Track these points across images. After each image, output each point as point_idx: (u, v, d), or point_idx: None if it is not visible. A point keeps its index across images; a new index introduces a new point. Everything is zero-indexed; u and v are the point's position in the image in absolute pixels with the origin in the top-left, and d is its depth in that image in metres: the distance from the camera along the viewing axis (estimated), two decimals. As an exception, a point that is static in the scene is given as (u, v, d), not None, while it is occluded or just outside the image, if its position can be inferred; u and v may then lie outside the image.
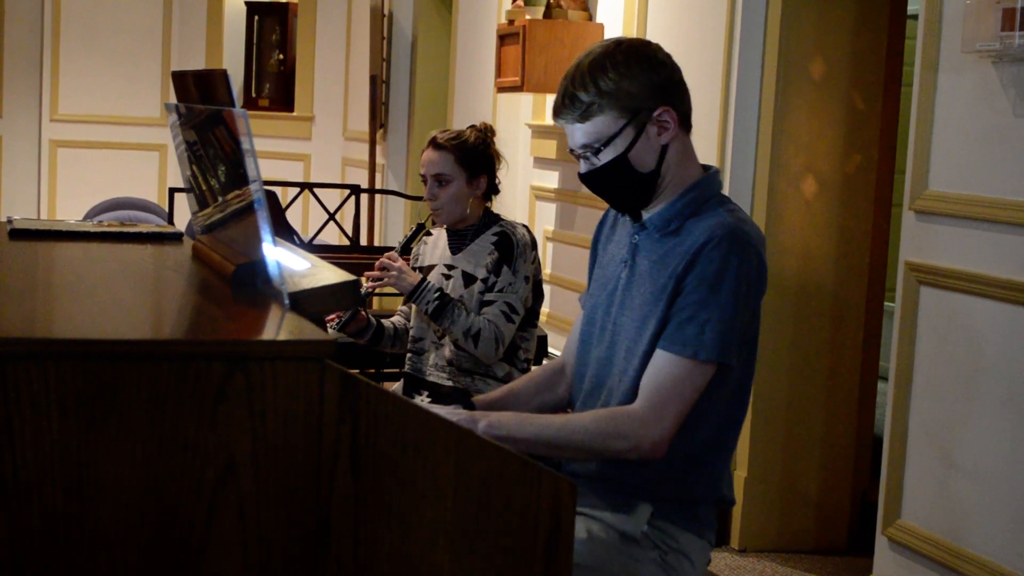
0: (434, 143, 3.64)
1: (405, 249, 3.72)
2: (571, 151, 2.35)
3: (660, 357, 2.24)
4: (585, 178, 2.34)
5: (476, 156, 3.61)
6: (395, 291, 3.69)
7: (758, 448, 4.47)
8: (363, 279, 3.59)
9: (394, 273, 3.54)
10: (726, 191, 4.44)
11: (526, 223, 5.83)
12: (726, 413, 2.33)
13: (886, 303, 4.78)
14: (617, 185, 2.31)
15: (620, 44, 2.30)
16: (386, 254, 3.61)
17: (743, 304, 2.24)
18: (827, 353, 4.51)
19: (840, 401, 4.55)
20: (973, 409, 3.32)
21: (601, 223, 2.54)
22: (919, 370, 3.53)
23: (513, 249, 3.55)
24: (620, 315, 2.35)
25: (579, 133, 2.29)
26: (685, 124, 2.34)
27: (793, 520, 4.54)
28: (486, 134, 3.67)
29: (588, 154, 2.30)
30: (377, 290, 3.71)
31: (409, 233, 3.75)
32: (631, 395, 2.28)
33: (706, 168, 2.39)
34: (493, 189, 3.68)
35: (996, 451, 3.23)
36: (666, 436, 2.22)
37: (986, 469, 3.27)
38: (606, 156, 2.28)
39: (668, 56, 2.33)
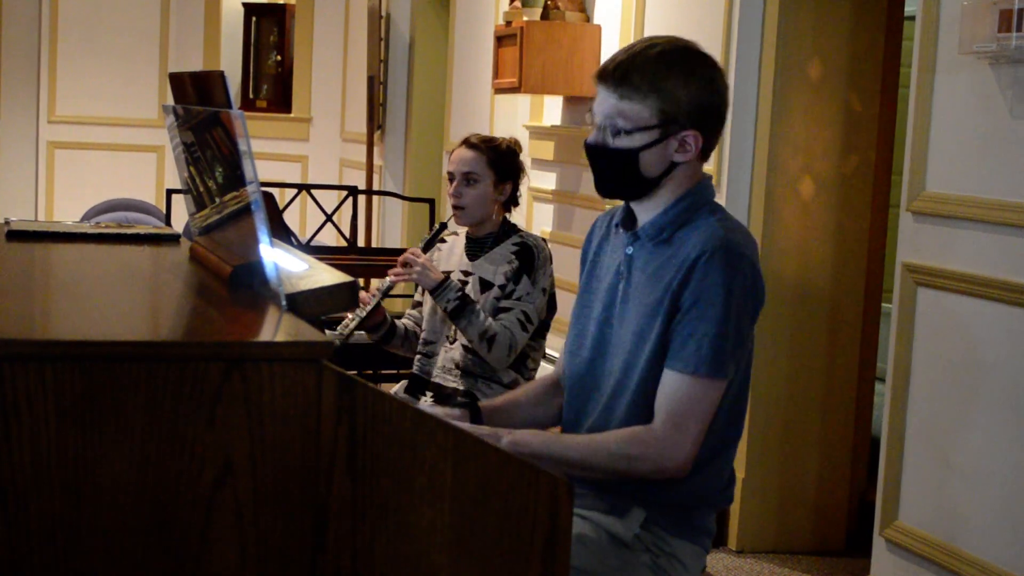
0: (467, 143, 3.71)
1: (428, 246, 3.74)
2: (591, 112, 2.34)
3: (668, 377, 2.25)
4: (590, 149, 2.33)
5: (506, 162, 3.69)
6: (401, 292, 3.72)
7: (756, 449, 4.47)
8: (388, 274, 3.64)
9: (418, 268, 3.57)
10: (723, 192, 4.46)
11: (524, 224, 5.84)
12: (726, 422, 2.34)
13: (883, 304, 4.78)
14: (615, 172, 2.31)
15: (699, 53, 2.31)
16: (410, 250, 3.65)
17: (739, 317, 2.24)
18: (824, 354, 4.52)
19: (837, 402, 4.55)
20: (970, 410, 3.32)
21: (592, 232, 2.53)
22: (916, 371, 3.53)
23: (534, 260, 3.59)
24: (619, 327, 2.35)
25: (609, 106, 2.28)
26: (704, 154, 2.35)
27: (791, 521, 4.54)
28: (516, 146, 3.77)
29: (607, 127, 2.29)
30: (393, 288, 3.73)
31: (432, 232, 3.77)
32: (633, 410, 2.29)
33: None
34: (514, 200, 3.72)
35: (993, 452, 3.24)
36: (689, 457, 2.23)
37: (983, 470, 3.27)
38: (621, 142, 2.28)
39: (727, 87, 2.35)
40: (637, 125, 2.26)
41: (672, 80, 2.25)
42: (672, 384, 2.24)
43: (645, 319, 2.29)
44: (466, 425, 2.31)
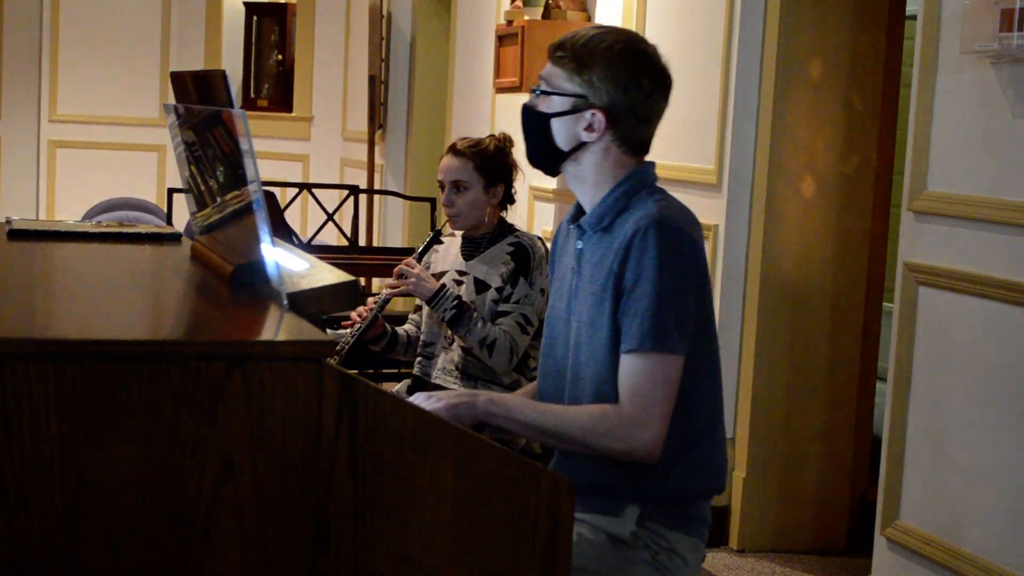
0: (453, 150, 3.70)
1: (422, 257, 3.74)
2: None
3: (623, 360, 2.27)
4: (523, 108, 2.44)
5: (494, 164, 3.66)
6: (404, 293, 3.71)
7: (757, 448, 4.47)
8: (384, 288, 3.64)
9: (412, 279, 3.56)
10: (724, 191, 4.46)
11: (525, 224, 5.84)
12: (702, 409, 2.34)
13: (884, 304, 4.78)
14: (532, 136, 2.42)
15: (642, 53, 2.37)
16: (404, 261, 3.64)
17: (678, 289, 2.25)
18: (825, 353, 4.51)
19: (838, 401, 4.55)
20: (971, 410, 3.32)
21: (556, 237, 2.58)
22: (917, 371, 3.53)
23: (530, 261, 3.59)
24: (575, 322, 2.39)
25: (546, 68, 2.44)
26: (630, 146, 2.38)
27: (792, 520, 4.54)
28: (505, 144, 3.73)
29: (537, 89, 2.42)
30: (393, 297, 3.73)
31: (427, 240, 3.76)
32: (604, 398, 2.30)
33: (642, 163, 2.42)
34: (509, 199, 3.72)
35: (994, 451, 3.24)
36: (657, 438, 2.23)
37: (984, 469, 3.27)
38: (540, 105, 2.40)
39: (660, 94, 2.38)
40: (556, 90, 2.38)
41: (598, 62, 2.34)
42: (626, 366, 2.25)
43: (594, 307, 2.32)
44: (447, 392, 2.33)
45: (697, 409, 2.33)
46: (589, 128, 2.35)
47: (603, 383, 2.30)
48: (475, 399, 2.26)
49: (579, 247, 2.40)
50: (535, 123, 2.40)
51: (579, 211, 2.45)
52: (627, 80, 2.34)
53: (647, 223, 2.26)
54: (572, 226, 2.45)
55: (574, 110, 2.35)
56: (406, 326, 3.81)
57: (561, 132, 2.37)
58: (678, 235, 2.26)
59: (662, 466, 2.29)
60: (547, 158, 2.41)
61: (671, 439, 2.27)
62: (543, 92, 2.38)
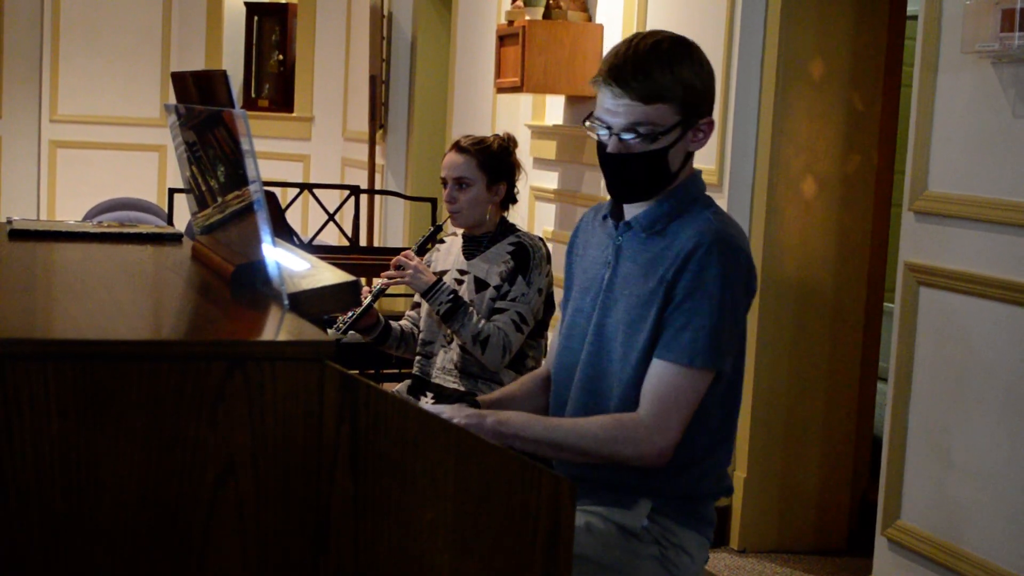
0: (457, 147, 3.70)
1: (421, 249, 3.74)
2: (598, 119, 2.28)
3: (658, 366, 2.25)
4: (611, 158, 2.27)
5: (497, 162, 3.66)
6: (400, 292, 3.71)
7: (758, 448, 4.47)
8: (380, 276, 3.64)
9: (410, 271, 3.56)
10: (725, 191, 4.46)
11: (526, 224, 5.84)
12: (721, 413, 2.35)
13: (885, 304, 4.78)
14: (643, 176, 2.28)
15: (687, 41, 2.31)
16: (403, 252, 3.64)
17: (735, 309, 2.26)
18: (827, 354, 4.51)
19: (839, 402, 4.55)
20: (972, 410, 3.32)
21: (579, 227, 2.54)
22: (918, 371, 3.53)
23: (529, 260, 3.58)
24: (605, 317, 2.36)
25: (632, 112, 2.24)
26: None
27: (793, 520, 4.54)
28: (508, 143, 3.73)
29: (627, 135, 2.25)
30: (390, 288, 3.73)
31: (427, 234, 3.76)
32: (630, 401, 2.29)
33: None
34: (511, 198, 3.71)
35: (995, 451, 3.24)
36: (671, 445, 2.24)
37: (985, 469, 3.27)
38: (648, 146, 2.25)
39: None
40: (667, 125, 2.25)
41: (687, 73, 2.25)
42: (663, 374, 2.24)
43: (637, 310, 2.30)
44: (451, 407, 2.31)
45: (724, 416, 2.34)
46: (695, 137, 2.30)
47: (631, 387, 2.29)
48: (482, 422, 2.23)
49: (618, 243, 2.37)
50: (648, 166, 2.26)
51: (616, 205, 2.39)
52: (708, 74, 2.30)
53: (712, 239, 2.23)
54: (613, 222, 2.40)
55: (685, 131, 2.28)
56: (402, 321, 3.81)
57: (676, 157, 2.29)
58: (738, 255, 2.26)
59: (675, 469, 2.30)
60: (657, 188, 2.32)
61: (690, 443, 2.28)
62: (654, 136, 2.24)
